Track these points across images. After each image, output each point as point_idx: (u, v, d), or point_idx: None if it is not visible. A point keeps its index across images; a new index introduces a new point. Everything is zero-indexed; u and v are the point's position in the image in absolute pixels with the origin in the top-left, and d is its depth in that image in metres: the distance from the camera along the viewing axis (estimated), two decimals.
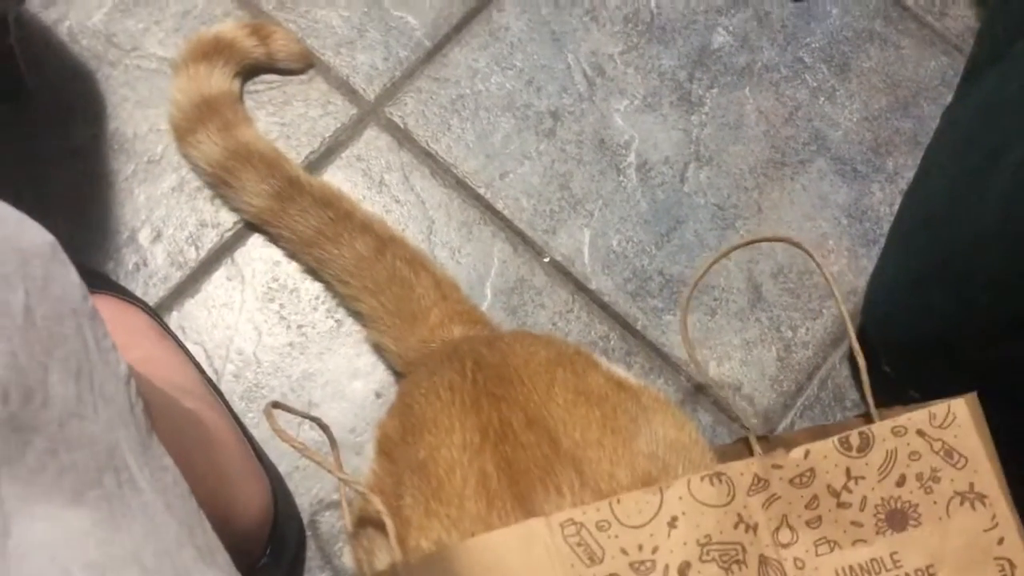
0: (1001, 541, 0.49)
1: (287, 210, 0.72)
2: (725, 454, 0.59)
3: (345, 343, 0.74)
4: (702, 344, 0.76)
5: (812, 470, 0.50)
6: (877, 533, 0.49)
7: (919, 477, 0.50)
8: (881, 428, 0.50)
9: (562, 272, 0.78)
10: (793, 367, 0.77)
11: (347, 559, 0.59)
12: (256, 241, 0.76)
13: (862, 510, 0.49)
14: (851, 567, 0.49)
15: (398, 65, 0.82)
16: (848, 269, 0.79)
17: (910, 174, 0.79)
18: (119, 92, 0.79)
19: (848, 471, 0.50)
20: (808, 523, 0.49)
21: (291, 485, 0.69)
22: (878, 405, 0.54)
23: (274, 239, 0.75)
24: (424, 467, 0.53)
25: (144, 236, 0.75)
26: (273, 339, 0.74)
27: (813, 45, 0.86)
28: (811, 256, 0.58)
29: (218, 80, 0.76)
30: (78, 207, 0.75)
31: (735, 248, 0.61)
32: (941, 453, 0.50)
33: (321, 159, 0.79)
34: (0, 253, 0.34)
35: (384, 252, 0.71)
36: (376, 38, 0.82)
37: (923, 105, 0.85)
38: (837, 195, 0.81)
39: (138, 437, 0.39)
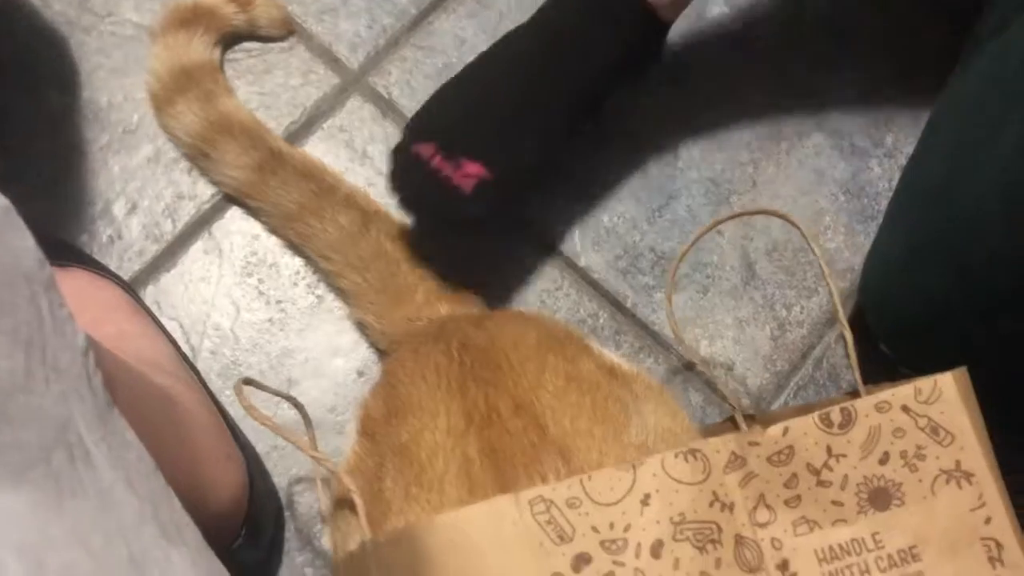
0: (988, 521, 0.47)
1: (268, 183, 0.70)
2: (712, 434, 0.58)
3: (326, 320, 0.72)
4: (694, 323, 0.75)
5: (791, 447, 0.48)
6: (859, 513, 0.48)
7: (903, 455, 0.48)
8: (864, 404, 0.48)
9: (550, 248, 0.75)
10: (787, 346, 0.75)
11: (325, 541, 0.57)
12: (234, 214, 0.74)
13: (843, 489, 0.48)
14: (831, 547, 0.47)
15: (382, 33, 0.79)
16: (845, 246, 0.77)
17: (909, 150, 0.77)
18: (93, 59, 0.76)
19: (829, 449, 0.48)
20: (787, 502, 0.48)
21: (269, 465, 0.68)
22: (873, 384, 0.52)
23: (254, 213, 0.73)
24: (406, 450, 0.52)
25: (119, 208, 0.73)
26: (251, 315, 0.72)
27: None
28: (798, 228, 0.56)
29: (197, 48, 0.74)
30: (51, 178, 0.73)
31: (722, 221, 0.59)
32: (927, 430, 0.48)
33: (302, 129, 0.76)
34: None
35: (369, 227, 0.69)
36: (360, 5, 0.80)
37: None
38: (834, 170, 0.79)
39: (95, 411, 0.37)
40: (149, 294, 0.71)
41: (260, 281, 0.72)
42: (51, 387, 0.34)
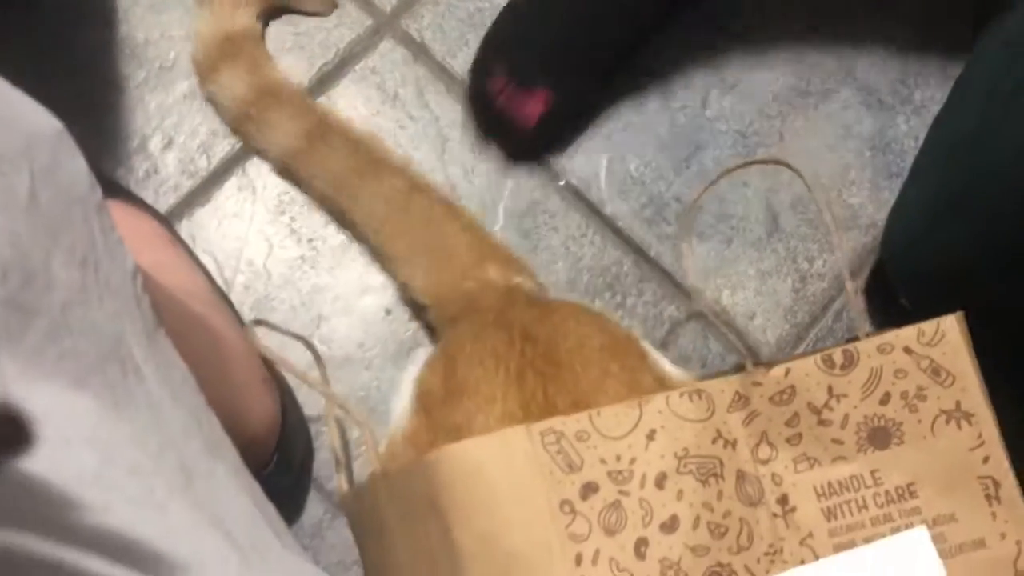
0: (986, 460, 0.49)
1: (318, 149, 0.71)
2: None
3: (356, 259, 0.73)
4: (716, 273, 0.76)
5: (793, 387, 0.50)
6: (858, 451, 0.49)
7: (904, 395, 0.49)
8: (866, 345, 0.50)
9: (577, 196, 0.76)
10: (808, 299, 0.76)
11: (340, 478, 0.58)
12: None
13: (843, 428, 0.49)
14: (830, 483, 0.49)
15: None
16: (869, 201, 0.78)
17: (937, 107, 0.77)
18: None
19: (830, 389, 0.49)
20: (788, 440, 0.49)
21: (299, 398, 0.70)
22: None
23: (297, 184, 0.74)
24: (459, 432, 0.53)
25: (155, 144, 0.74)
26: (284, 251, 0.73)
27: None
28: (802, 178, 0.57)
29: (242, 18, 0.74)
30: (88, 114, 0.74)
31: (732, 170, 0.63)
32: (928, 371, 0.49)
33: (335, 71, 0.77)
34: (5, 134, 0.33)
35: (415, 192, 0.70)
36: None
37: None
38: (861, 126, 0.79)
39: (144, 330, 0.39)
40: (184, 228, 0.73)
41: (292, 219, 0.74)
42: (104, 304, 0.36)
